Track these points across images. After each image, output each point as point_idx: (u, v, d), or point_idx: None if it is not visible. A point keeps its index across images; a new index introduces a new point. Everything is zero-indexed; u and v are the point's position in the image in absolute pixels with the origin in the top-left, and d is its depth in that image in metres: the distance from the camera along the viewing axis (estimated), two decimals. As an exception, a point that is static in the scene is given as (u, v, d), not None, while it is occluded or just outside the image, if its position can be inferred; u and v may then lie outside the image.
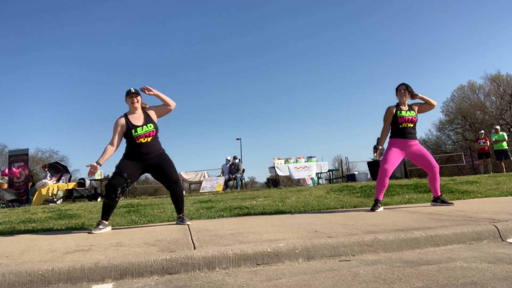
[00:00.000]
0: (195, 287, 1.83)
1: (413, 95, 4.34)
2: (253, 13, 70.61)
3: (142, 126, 3.57)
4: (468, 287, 1.62)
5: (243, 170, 12.58)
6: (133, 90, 3.64)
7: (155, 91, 3.67)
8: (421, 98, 4.35)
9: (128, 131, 3.55)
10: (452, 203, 4.23)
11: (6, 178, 11.69)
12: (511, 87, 31.29)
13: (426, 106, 4.39)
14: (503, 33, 49.73)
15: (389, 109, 4.32)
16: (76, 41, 59.15)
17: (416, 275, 1.82)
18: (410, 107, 4.35)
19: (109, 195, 3.42)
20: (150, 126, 3.60)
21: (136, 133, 3.53)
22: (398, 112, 4.25)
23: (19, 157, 12.21)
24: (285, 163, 12.45)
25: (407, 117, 4.21)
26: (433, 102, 4.36)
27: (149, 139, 3.58)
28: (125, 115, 3.65)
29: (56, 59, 59.24)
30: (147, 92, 3.65)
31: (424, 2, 56.92)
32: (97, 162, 3.42)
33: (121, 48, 64.71)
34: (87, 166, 3.43)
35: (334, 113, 68.28)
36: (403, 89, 4.31)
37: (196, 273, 2.07)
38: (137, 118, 3.63)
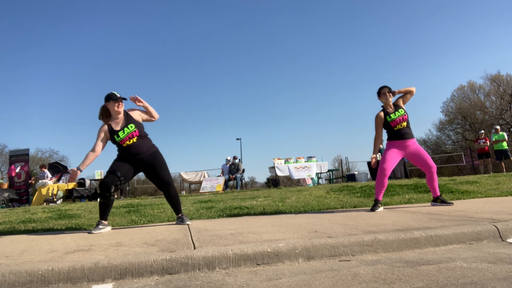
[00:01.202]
0: (195, 287, 1.83)
1: (393, 93, 4.32)
2: (253, 11, 70.64)
3: (122, 129, 3.54)
4: (468, 287, 1.62)
5: (243, 170, 12.59)
6: (118, 95, 3.58)
7: (145, 103, 3.65)
8: (399, 92, 4.33)
9: (112, 137, 3.56)
10: (452, 203, 4.23)
11: (6, 178, 11.70)
12: (511, 87, 31.28)
13: (407, 95, 4.37)
14: (503, 33, 49.78)
15: (378, 117, 4.30)
16: (76, 39, 59.20)
17: (416, 275, 1.82)
18: (396, 106, 4.32)
19: (103, 194, 3.43)
20: (131, 127, 3.56)
21: (119, 138, 3.52)
22: (388, 117, 4.24)
23: (20, 157, 12.25)
24: (285, 163, 12.45)
25: (398, 119, 4.21)
26: (412, 88, 4.33)
27: (134, 139, 3.55)
28: (108, 122, 3.61)
29: (56, 58, 59.28)
30: (137, 103, 3.63)
31: (424, 2, 56.96)
32: (78, 168, 3.43)
33: (121, 47, 64.74)
34: (67, 171, 3.47)
35: (334, 113, 68.31)
36: (387, 91, 4.28)
37: (196, 273, 2.07)
38: (118, 123, 3.60)
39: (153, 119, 3.77)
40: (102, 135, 3.57)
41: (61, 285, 1.96)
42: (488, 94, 32.87)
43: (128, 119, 3.62)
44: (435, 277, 1.77)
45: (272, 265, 2.17)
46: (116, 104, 3.57)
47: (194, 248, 2.30)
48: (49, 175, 11.13)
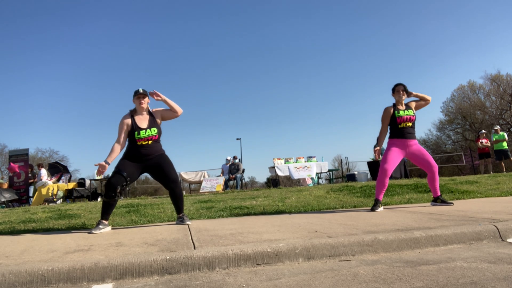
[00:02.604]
0: (195, 287, 1.83)
1: (408, 94, 4.35)
2: (253, 13, 70.64)
3: (146, 129, 3.59)
4: (468, 287, 1.62)
5: (243, 170, 12.58)
6: (141, 91, 3.64)
7: (163, 97, 3.68)
8: (416, 96, 4.37)
9: (132, 132, 3.58)
10: (452, 203, 4.23)
11: (6, 177, 11.69)
12: (511, 87, 31.28)
13: (421, 102, 4.40)
14: (503, 33, 49.79)
15: (386, 110, 4.33)
16: (76, 40, 59.19)
17: (416, 275, 1.82)
18: (407, 106, 4.36)
19: (108, 194, 3.43)
20: (154, 131, 3.61)
21: (139, 136, 3.55)
22: (396, 112, 4.26)
23: (19, 157, 12.22)
24: (285, 163, 12.44)
25: (405, 117, 4.22)
26: (428, 97, 4.37)
27: (149, 142, 3.59)
28: (131, 115, 3.66)
29: (56, 58, 59.28)
30: (155, 97, 3.67)
31: (424, 3, 56.95)
32: (106, 161, 3.46)
33: (121, 47, 64.75)
34: (95, 165, 3.47)
35: (334, 113, 68.33)
36: (401, 89, 4.31)
37: (196, 273, 2.07)
38: (143, 120, 3.64)
39: (177, 114, 3.78)
40: (125, 127, 3.61)
41: (61, 285, 1.96)
42: (488, 94, 32.87)
43: (153, 122, 3.66)
44: (435, 277, 1.77)
45: (272, 265, 2.17)
46: (139, 100, 3.63)
47: (194, 248, 2.30)
48: (42, 174, 11.12)
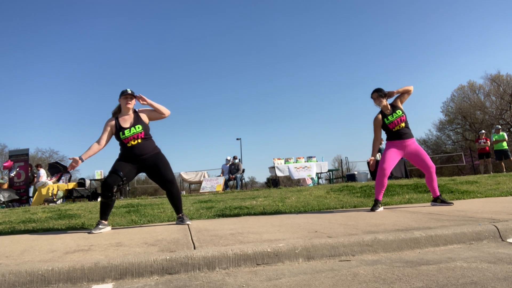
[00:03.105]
0: (195, 287, 1.83)
1: (389, 95, 4.32)
2: (252, 11, 70.66)
3: (129, 128, 3.56)
4: (468, 287, 1.62)
5: (243, 170, 12.58)
6: (130, 91, 3.62)
7: (149, 101, 3.65)
8: (398, 92, 4.33)
9: (117, 133, 3.57)
10: (452, 203, 4.23)
11: (6, 178, 11.69)
12: (511, 87, 31.28)
13: (405, 95, 4.36)
14: (503, 33, 49.82)
15: (376, 119, 4.32)
16: (76, 39, 59.20)
17: (416, 275, 1.82)
18: (394, 107, 4.32)
19: (105, 194, 3.43)
20: (138, 128, 3.58)
21: (124, 135, 3.53)
22: (385, 119, 4.26)
23: (19, 157, 12.23)
24: (285, 163, 12.44)
25: (395, 121, 4.23)
26: (409, 88, 4.32)
27: (139, 140, 3.56)
28: (116, 117, 3.65)
29: (56, 57, 59.26)
30: (141, 102, 3.64)
31: (424, 1, 56.96)
32: (80, 157, 3.44)
33: (121, 46, 64.75)
34: (69, 158, 3.47)
35: (334, 112, 68.33)
36: (376, 97, 4.31)
37: (196, 273, 2.07)
38: (126, 120, 3.62)
39: (164, 115, 3.76)
40: (108, 128, 3.60)
41: (61, 285, 1.96)
42: (488, 94, 32.88)
43: (137, 120, 3.64)
44: (435, 277, 1.77)
45: (272, 265, 2.17)
46: (126, 100, 3.61)
47: (194, 248, 2.30)
48: (41, 174, 11.13)
